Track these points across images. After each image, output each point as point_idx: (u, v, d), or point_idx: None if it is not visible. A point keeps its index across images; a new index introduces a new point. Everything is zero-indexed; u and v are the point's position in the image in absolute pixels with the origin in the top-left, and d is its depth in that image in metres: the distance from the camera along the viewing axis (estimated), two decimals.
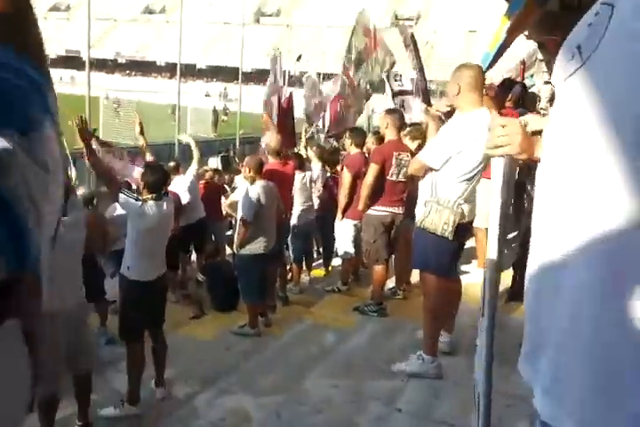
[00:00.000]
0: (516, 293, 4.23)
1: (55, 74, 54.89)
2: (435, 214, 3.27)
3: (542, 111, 7.63)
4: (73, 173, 7.20)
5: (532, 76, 14.03)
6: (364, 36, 8.94)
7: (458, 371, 3.47)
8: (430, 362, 3.50)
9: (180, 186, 6.01)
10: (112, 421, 3.54)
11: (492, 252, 1.44)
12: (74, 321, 3.25)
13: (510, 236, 5.28)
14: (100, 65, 52.19)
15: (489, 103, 3.81)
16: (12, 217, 0.44)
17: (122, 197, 3.56)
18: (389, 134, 4.79)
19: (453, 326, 3.88)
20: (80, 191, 4.78)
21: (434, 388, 3.45)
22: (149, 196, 3.65)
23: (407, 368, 3.56)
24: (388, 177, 4.71)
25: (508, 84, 5.98)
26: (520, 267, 4.12)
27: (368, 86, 9.21)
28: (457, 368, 3.51)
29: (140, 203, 3.58)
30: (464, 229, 3.44)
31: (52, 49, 64.23)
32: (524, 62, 12.31)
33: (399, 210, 4.80)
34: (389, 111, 5.15)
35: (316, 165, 6.58)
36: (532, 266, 0.99)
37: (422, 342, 3.60)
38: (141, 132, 5.07)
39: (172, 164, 6.45)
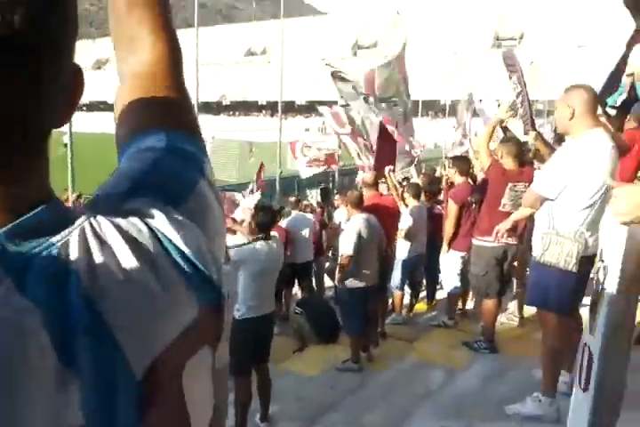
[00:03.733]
0: None
1: None
2: (555, 246, 3.02)
3: None
4: None
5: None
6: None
7: None
8: (549, 404, 3.20)
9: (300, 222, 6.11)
10: None
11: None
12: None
13: None
14: (207, 108, 55.49)
15: (607, 125, 3.50)
16: None
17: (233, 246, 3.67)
18: (506, 164, 4.53)
19: (574, 365, 3.54)
20: None
21: None
22: (259, 235, 3.75)
23: (523, 410, 3.28)
24: (499, 208, 4.45)
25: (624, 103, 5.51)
26: None
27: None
28: None
29: (251, 245, 3.69)
30: (588, 263, 3.09)
31: None
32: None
33: (512, 240, 4.53)
34: (504, 141, 4.87)
35: None
36: None
37: (540, 383, 3.31)
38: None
39: (292, 199, 6.62)
